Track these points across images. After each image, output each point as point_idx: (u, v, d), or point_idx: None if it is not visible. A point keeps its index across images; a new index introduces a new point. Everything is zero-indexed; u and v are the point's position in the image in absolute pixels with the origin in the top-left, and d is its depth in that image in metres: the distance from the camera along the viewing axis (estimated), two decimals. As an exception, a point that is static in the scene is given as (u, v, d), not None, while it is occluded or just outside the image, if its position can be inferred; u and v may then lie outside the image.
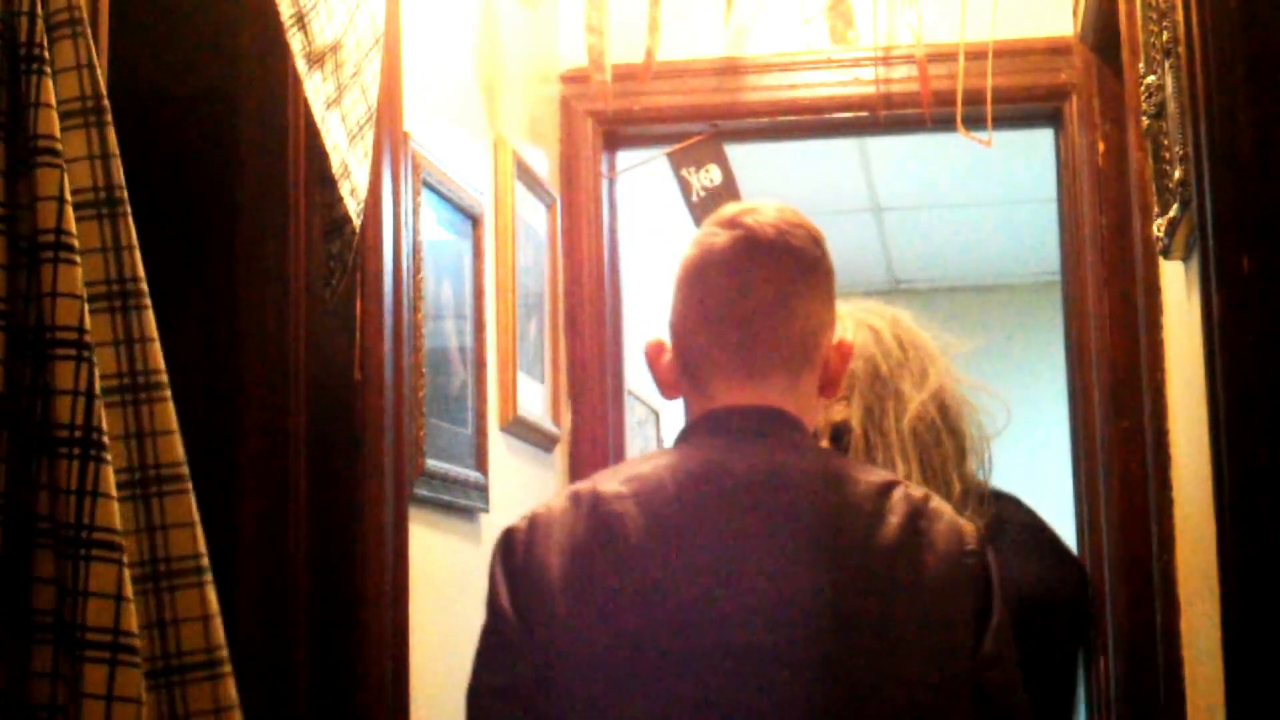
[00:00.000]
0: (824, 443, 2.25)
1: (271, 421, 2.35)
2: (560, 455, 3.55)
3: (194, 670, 1.60)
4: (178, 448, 1.63)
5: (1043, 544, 2.24)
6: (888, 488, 1.65)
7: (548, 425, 3.42)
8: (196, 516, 1.65)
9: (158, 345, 1.63)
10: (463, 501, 2.83)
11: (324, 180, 2.32)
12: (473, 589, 2.69)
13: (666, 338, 1.77)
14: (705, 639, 1.57)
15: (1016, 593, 1.92)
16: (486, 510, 2.93)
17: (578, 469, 3.56)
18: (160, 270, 2.40)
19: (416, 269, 2.63)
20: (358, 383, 2.40)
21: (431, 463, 2.65)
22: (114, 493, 1.54)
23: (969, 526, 1.66)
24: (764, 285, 1.70)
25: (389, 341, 2.46)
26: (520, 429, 3.22)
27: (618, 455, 3.65)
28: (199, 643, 1.61)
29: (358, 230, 2.32)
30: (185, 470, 1.64)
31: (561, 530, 1.64)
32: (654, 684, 1.57)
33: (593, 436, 3.61)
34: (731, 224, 1.73)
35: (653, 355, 1.77)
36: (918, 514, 1.63)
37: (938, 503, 1.66)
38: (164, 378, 1.63)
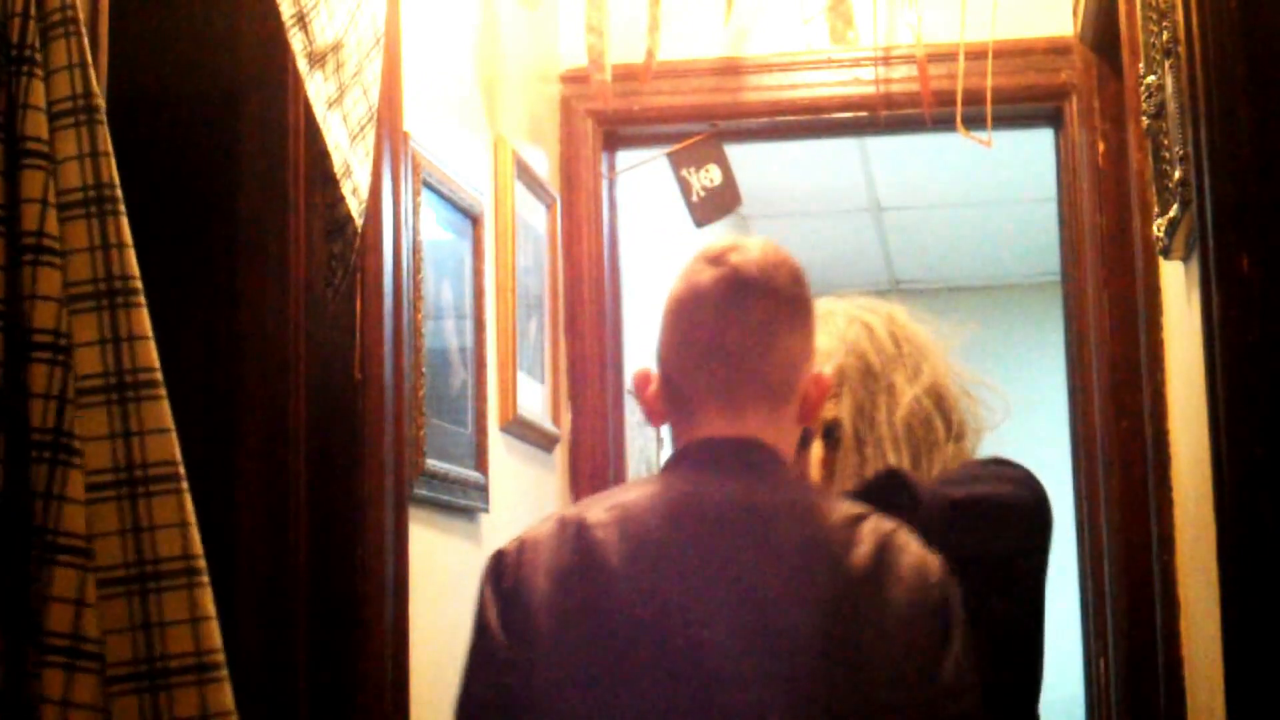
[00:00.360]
0: (818, 442, 2.26)
1: (271, 421, 2.35)
2: (560, 455, 3.55)
3: (181, 674, 1.57)
4: (168, 447, 1.60)
5: (1003, 462, 2.25)
6: (858, 519, 1.71)
7: (548, 425, 3.42)
8: (189, 517, 1.61)
9: (150, 343, 1.61)
10: (463, 501, 2.83)
11: (325, 180, 2.32)
12: (472, 589, 2.68)
13: (654, 367, 1.83)
14: (680, 664, 1.63)
15: (982, 496, 2.02)
16: (486, 510, 2.93)
17: (578, 469, 3.56)
18: (160, 270, 2.40)
19: (416, 269, 2.63)
20: (358, 383, 2.40)
21: (431, 463, 2.65)
22: (81, 497, 1.54)
23: (934, 560, 1.72)
24: (747, 323, 1.77)
25: (389, 341, 2.46)
26: (520, 429, 3.22)
27: (618, 455, 3.65)
28: (187, 646, 1.58)
29: (360, 230, 2.32)
30: (178, 470, 1.61)
31: (548, 555, 1.71)
32: (631, 707, 1.64)
33: (593, 436, 3.61)
34: (717, 261, 1.79)
35: (640, 385, 1.84)
36: (886, 546, 1.69)
37: (906, 536, 1.72)
38: (157, 376, 1.61)
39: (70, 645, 1.51)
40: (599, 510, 1.72)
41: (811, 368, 1.82)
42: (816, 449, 2.28)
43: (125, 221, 1.62)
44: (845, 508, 1.73)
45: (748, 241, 1.83)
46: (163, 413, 1.61)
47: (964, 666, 1.67)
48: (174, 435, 1.62)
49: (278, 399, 2.35)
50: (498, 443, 3.08)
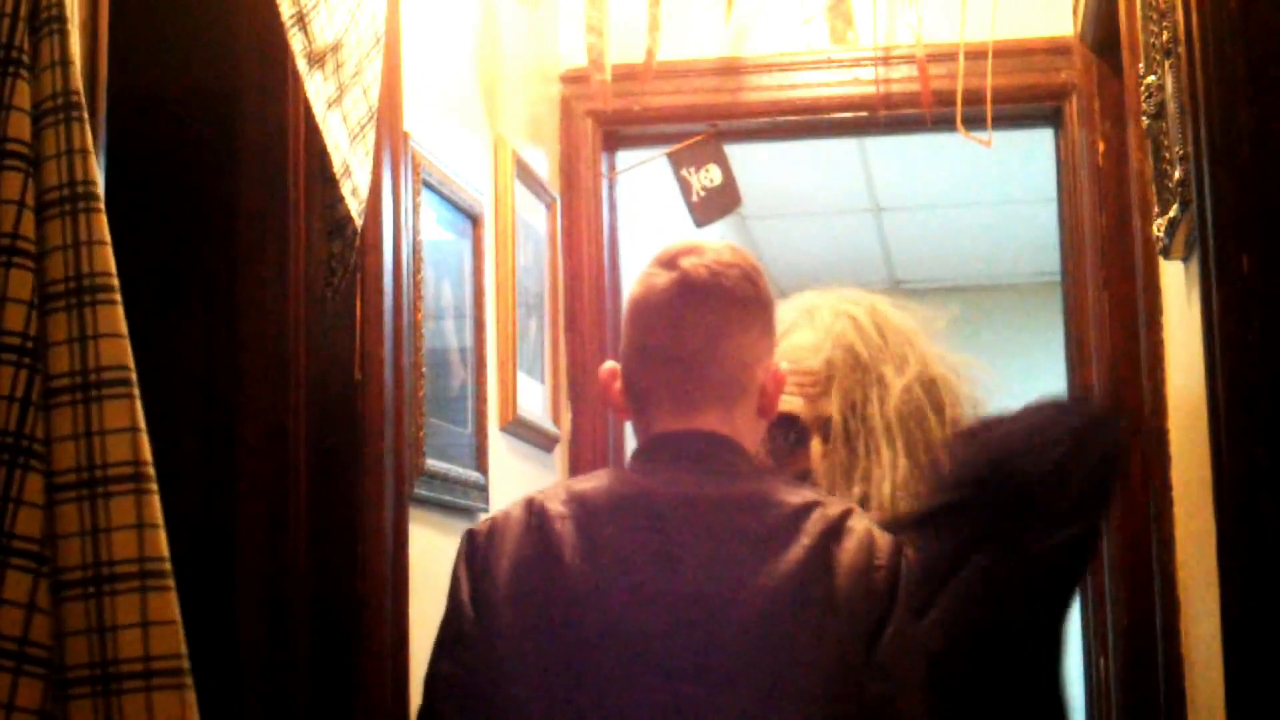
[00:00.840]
0: (815, 440, 2.26)
1: (271, 421, 2.35)
2: (560, 455, 3.55)
3: (131, 680, 1.54)
4: (130, 447, 1.57)
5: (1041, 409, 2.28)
6: (806, 509, 1.75)
7: (548, 425, 3.42)
8: (151, 519, 1.58)
9: (120, 341, 1.58)
10: (463, 501, 2.83)
11: (325, 180, 2.32)
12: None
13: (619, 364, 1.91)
14: (628, 653, 1.69)
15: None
16: (486, 510, 2.93)
17: (578, 469, 3.56)
18: (160, 270, 2.41)
19: (416, 269, 2.63)
20: (358, 383, 2.40)
21: (431, 463, 2.65)
22: (40, 500, 1.52)
23: (883, 540, 1.75)
24: (697, 325, 1.82)
25: (389, 341, 2.46)
26: (520, 429, 3.22)
27: (617, 455, 3.65)
28: (136, 651, 1.55)
29: (359, 230, 2.32)
30: (139, 470, 1.57)
31: (512, 542, 1.77)
32: (583, 695, 1.69)
33: (593, 436, 3.61)
34: (670, 264, 1.85)
35: (606, 382, 1.91)
36: (831, 534, 1.73)
37: (855, 520, 1.76)
38: (124, 375, 1.58)
39: (18, 650, 1.50)
40: (558, 501, 1.78)
41: (769, 362, 1.88)
42: (816, 446, 2.29)
43: (100, 219, 1.59)
44: (794, 498, 1.77)
45: (703, 243, 1.89)
46: (126, 412, 1.57)
47: (901, 649, 1.71)
48: (140, 435, 1.58)
49: (278, 399, 2.35)
50: (498, 443, 3.08)
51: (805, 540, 1.71)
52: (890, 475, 2.25)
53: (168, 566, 1.58)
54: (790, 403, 2.30)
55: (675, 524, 1.74)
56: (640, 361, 1.85)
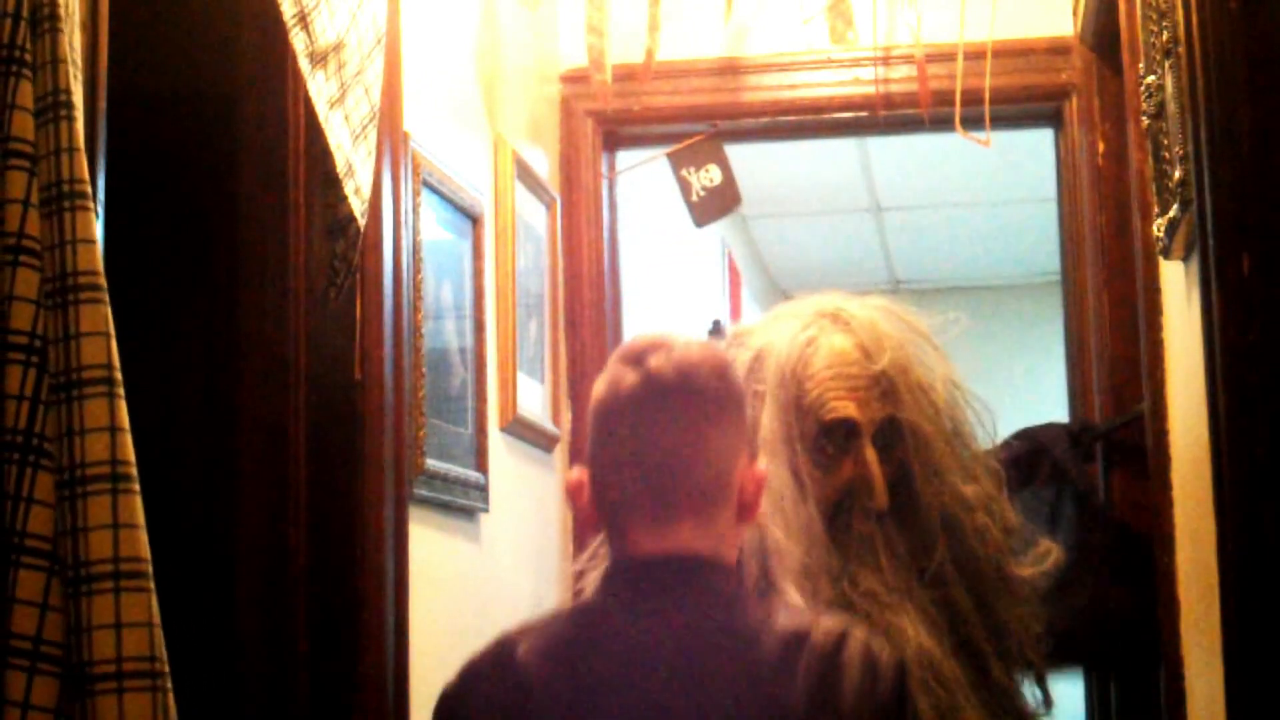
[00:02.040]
0: (868, 445, 2.27)
1: (271, 421, 2.35)
2: (560, 455, 3.55)
3: (103, 681, 1.53)
4: (105, 446, 1.56)
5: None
6: (798, 641, 1.65)
7: (547, 425, 3.42)
8: (131, 519, 1.56)
9: (101, 339, 1.57)
10: (463, 501, 2.83)
11: (327, 180, 2.32)
12: (473, 589, 2.67)
13: (587, 470, 1.77)
14: None
15: None
16: (486, 510, 2.93)
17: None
18: (160, 271, 2.41)
19: (416, 269, 2.63)
20: (358, 383, 2.40)
21: (431, 463, 2.65)
22: (50, 499, 1.53)
23: (884, 657, 1.66)
24: (666, 431, 1.69)
25: (389, 341, 2.46)
26: (520, 429, 3.22)
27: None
28: (108, 653, 1.53)
29: (362, 229, 2.32)
30: (118, 470, 1.56)
31: (481, 695, 1.68)
32: None
33: (593, 436, 3.61)
34: (636, 362, 1.73)
35: (574, 493, 1.77)
36: (828, 667, 1.63)
37: (853, 644, 1.66)
38: (104, 374, 1.57)
39: (33, 648, 1.50)
40: (529, 648, 1.69)
41: (745, 460, 1.74)
42: (870, 451, 2.27)
43: (87, 216, 1.59)
44: (783, 626, 1.66)
45: (670, 338, 1.76)
46: (104, 411, 1.56)
47: None
48: (120, 434, 1.57)
49: (278, 399, 2.35)
50: (498, 443, 3.08)
51: (800, 682, 1.61)
52: (977, 472, 2.29)
53: (145, 567, 1.56)
54: (844, 407, 2.27)
55: (660, 672, 1.63)
56: (608, 471, 1.72)
